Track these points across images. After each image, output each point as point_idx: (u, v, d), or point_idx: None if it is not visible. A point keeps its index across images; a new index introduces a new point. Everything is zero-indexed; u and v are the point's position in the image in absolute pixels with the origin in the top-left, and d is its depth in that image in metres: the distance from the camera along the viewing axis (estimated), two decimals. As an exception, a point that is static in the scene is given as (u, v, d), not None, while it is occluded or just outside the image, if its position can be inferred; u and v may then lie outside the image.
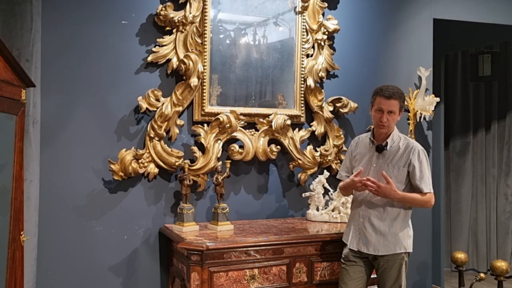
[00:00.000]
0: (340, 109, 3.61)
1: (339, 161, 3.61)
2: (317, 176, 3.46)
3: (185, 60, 3.10)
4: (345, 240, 2.85)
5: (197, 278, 2.65)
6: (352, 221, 2.84)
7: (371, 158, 2.77)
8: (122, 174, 3.00)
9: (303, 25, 3.48)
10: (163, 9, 3.07)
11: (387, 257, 2.71)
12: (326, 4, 3.56)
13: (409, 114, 3.93)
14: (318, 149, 3.56)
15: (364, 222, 2.75)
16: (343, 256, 2.84)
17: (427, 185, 2.69)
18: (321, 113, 3.54)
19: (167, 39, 3.12)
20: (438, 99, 3.88)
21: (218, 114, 3.22)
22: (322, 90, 3.57)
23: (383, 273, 2.74)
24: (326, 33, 3.56)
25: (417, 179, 2.69)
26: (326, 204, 3.46)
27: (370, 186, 2.63)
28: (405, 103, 3.75)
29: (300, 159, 3.47)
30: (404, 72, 3.96)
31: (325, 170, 3.52)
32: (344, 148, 3.58)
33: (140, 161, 3.05)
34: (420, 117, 3.90)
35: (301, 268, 2.89)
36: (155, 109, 3.07)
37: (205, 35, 3.18)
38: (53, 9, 2.89)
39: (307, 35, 3.51)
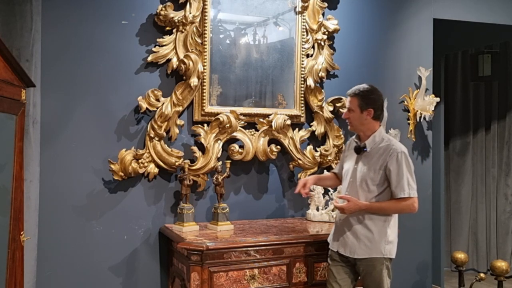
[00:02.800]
0: (340, 109, 3.61)
1: (339, 161, 3.60)
2: (317, 176, 3.46)
3: (185, 60, 3.10)
4: (328, 240, 2.83)
5: (197, 278, 2.65)
6: (335, 222, 2.82)
7: (354, 160, 2.73)
8: (122, 174, 3.00)
9: (303, 25, 3.48)
10: (163, 9, 3.07)
11: (365, 261, 2.63)
12: (326, 4, 3.56)
13: (409, 114, 3.94)
14: (318, 149, 3.56)
15: (343, 223, 2.70)
16: (328, 255, 2.81)
17: (403, 190, 2.57)
18: (321, 113, 3.54)
19: (167, 39, 3.12)
20: (438, 99, 3.88)
21: (218, 114, 3.22)
22: (322, 90, 3.57)
23: (364, 278, 2.67)
24: (326, 33, 3.56)
25: (393, 184, 2.58)
26: (326, 204, 3.47)
27: (337, 208, 2.64)
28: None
29: (300, 159, 3.47)
30: (404, 72, 3.96)
31: (325, 170, 3.52)
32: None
33: (140, 161, 3.05)
34: (420, 117, 3.90)
35: (301, 268, 2.89)
36: (155, 109, 3.07)
37: (205, 35, 3.18)
38: (53, 9, 2.89)
39: (307, 35, 3.51)
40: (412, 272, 4.00)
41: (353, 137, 2.91)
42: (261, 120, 3.36)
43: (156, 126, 3.06)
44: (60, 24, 2.92)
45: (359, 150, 2.69)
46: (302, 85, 3.48)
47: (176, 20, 3.09)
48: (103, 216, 3.03)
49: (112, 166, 2.97)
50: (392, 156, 2.59)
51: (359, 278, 2.74)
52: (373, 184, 2.62)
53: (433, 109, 3.86)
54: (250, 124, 3.36)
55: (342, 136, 3.64)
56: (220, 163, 3.14)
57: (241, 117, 3.27)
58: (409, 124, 3.94)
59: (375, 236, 2.62)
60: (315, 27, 3.50)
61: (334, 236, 2.77)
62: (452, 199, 5.78)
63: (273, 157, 3.38)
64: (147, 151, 3.07)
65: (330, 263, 2.78)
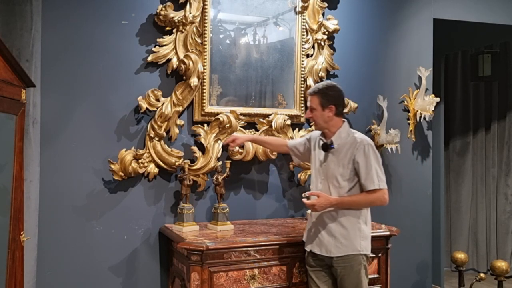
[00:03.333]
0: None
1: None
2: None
3: (185, 60, 3.10)
4: (304, 239, 2.80)
5: (197, 278, 2.65)
6: (308, 221, 2.78)
7: (322, 157, 2.70)
8: (122, 174, 3.00)
9: (303, 25, 3.48)
10: (163, 9, 3.07)
11: (342, 261, 2.59)
12: (326, 4, 3.56)
13: (409, 114, 3.94)
14: (318, 149, 3.56)
15: (316, 223, 2.67)
16: (306, 261, 2.78)
17: (373, 182, 2.55)
18: (321, 113, 3.53)
19: (167, 39, 3.12)
20: (438, 99, 3.87)
21: (218, 114, 3.22)
22: (322, 90, 3.57)
23: (342, 280, 2.62)
24: (326, 33, 3.56)
25: (362, 177, 2.57)
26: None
27: (308, 206, 2.60)
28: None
29: (300, 159, 3.47)
30: (404, 72, 3.96)
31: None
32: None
33: (140, 161, 3.05)
34: (420, 117, 3.90)
35: (301, 268, 2.89)
36: (155, 109, 3.07)
37: (205, 35, 3.18)
38: (53, 9, 2.89)
39: (307, 35, 3.51)
40: (412, 272, 4.00)
41: (312, 133, 2.90)
42: (261, 120, 3.36)
43: (156, 126, 3.06)
44: (60, 24, 2.92)
45: (327, 147, 2.66)
46: (302, 85, 3.48)
47: (176, 20, 3.09)
48: (103, 216, 3.03)
49: (112, 166, 2.97)
50: (359, 149, 2.58)
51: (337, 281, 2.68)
52: (343, 179, 2.60)
53: (433, 109, 3.85)
54: (250, 124, 3.36)
55: (342, 136, 3.63)
56: (220, 163, 3.14)
57: (241, 117, 3.27)
58: (409, 124, 3.94)
59: (350, 233, 2.60)
60: (315, 27, 3.50)
61: (308, 237, 2.73)
62: (452, 199, 5.78)
63: (273, 157, 3.38)
64: (147, 151, 3.07)
65: (308, 269, 2.75)
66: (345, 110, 3.60)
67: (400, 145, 3.75)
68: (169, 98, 3.12)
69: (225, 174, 3.09)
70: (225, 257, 2.71)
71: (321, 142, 2.71)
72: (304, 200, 2.61)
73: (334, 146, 2.64)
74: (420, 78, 3.94)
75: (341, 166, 2.61)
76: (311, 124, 3.54)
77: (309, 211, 2.75)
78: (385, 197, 2.59)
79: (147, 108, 3.05)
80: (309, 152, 2.85)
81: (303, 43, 3.49)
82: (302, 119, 3.53)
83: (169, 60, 3.14)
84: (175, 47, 3.13)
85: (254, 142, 3.15)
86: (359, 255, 2.61)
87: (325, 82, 2.70)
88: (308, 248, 2.72)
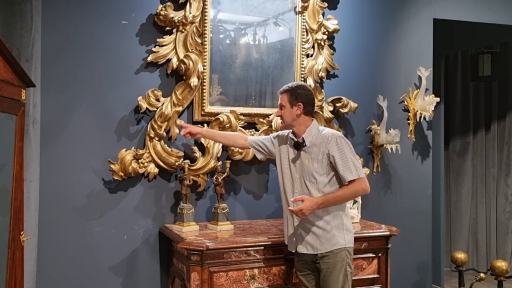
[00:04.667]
0: (340, 109, 3.61)
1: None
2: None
3: (185, 60, 3.10)
4: (285, 241, 2.77)
5: (197, 278, 2.65)
6: (287, 220, 2.73)
7: (294, 156, 2.70)
8: (122, 174, 3.00)
9: (303, 25, 3.48)
10: (163, 9, 3.07)
11: (327, 258, 2.59)
12: (326, 4, 3.55)
13: (409, 114, 3.94)
14: (318, 149, 3.56)
15: (300, 222, 2.65)
16: (295, 265, 2.77)
17: (351, 172, 2.56)
18: (321, 113, 3.54)
19: (167, 39, 3.12)
20: (438, 99, 3.88)
21: (218, 114, 3.22)
22: (322, 90, 3.57)
23: (325, 278, 2.60)
24: (326, 33, 3.56)
25: (340, 169, 2.57)
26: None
27: (296, 214, 2.56)
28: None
29: (300, 159, 3.47)
30: (404, 72, 3.96)
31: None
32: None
33: (140, 161, 3.05)
34: (420, 117, 3.90)
35: (301, 268, 2.89)
36: (155, 109, 3.07)
37: (205, 35, 3.18)
38: (53, 9, 2.89)
39: (307, 35, 3.51)
40: (412, 272, 4.00)
41: (279, 132, 2.89)
42: (261, 120, 3.36)
43: (156, 126, 3.06)
44: (60, 24, 2.92)
45: (300, 146, 2.66)
46: (302, 85, 3.48)
47: (176, 20, 3.09)
48: (103, 216, 3.03)
49: (112, 166, 2.97)
50: (331, 143, 2.60)
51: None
52: (320, 174, 2.61)
53: (433, 109, 3.86)
54: (250, 124, 3.36)
55: (342, 136, 3.64)
56: (220, 163, 3.14)
57: (241, 117, 3.27)
58: (409, 124, 3.94)
59: (333, 227, 2.61)
60: (315, 27, 3.50)
61: (291, 239, 2.70)
62: (452, 199, 5.78)
63: (273, 157, 3.38)
64: (147, 151, 3.07)
65: (298, 273, 2.74)
66: (345, 110, 3.61)
67: (400, 145, 3.75)
68: (169, 98, 3.12)
69: (225, 174, 3.10)
70: (225, 257, 2.71)
71: (293, 141, 2.71)
72: (290, 208, 2.58)
73: (306, 143, 2.65)
74: (420, 78, 3.94)
75: (315, 161, 2.62)
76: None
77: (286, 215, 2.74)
78: (366, 184, 2.61)
79: (147, 108, 3.05)
80: (274, 149, 2.84)
81: (303, 43, 3.49)
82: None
83: (169, 60, 3.14)
84: (175, 47, 3.13)
85: (207, 136, 3.03)
86: (343, 251, 2.60)
87: (296, 82, 2.81)
88: (292, 248, 2.70)
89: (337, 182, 2.63)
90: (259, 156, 2.96)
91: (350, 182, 2.57)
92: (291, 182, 2.69)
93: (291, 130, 2.74)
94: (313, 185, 2.62)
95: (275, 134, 2.92)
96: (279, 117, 2.79)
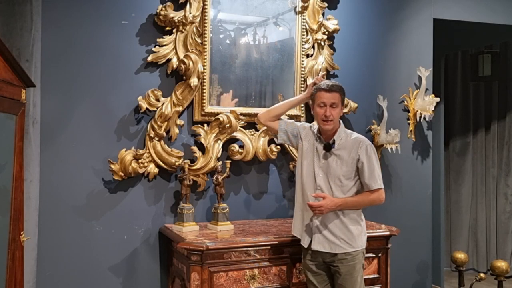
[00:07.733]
0: (340, 109, 3.61)
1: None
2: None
3: (185, 60, 3.10)
4: (296, 234, 2.75)
5: (197, 278, 2.65)
6: (303, 215, 2.71)
7: (319, 155, 2.69)
8: (122, 174, 3.00)
9: (303, 25, 3.48)
10: (163, 9, 3.07)
11: (346, 261, 2.60)
12: (326, 4, 3.55)
13: (409, 114, 3.94)
14: (318, 149, 3.56)
15: (319, 220, 2.64)
16: (302, 263, 2.77)
17: (376, 181, 2.61)
18: (321, 113, 3.53)
19: (167, 39, 3.12)
20: (438, 99, 3.88)
21: (218, 114, 3.22)
22: (322, 90, 3.57)
23: (344, 281, 2.61)
24: (326, 33, 3.56)
25: (365, 177, 2.61)
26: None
27: (314, 209, 2.56)
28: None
29: (300, 159, 3.47)
30: (404, 72, 3.96)
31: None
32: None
33: (140, 161, 3.05)
34: (420, 117, 3.90)
35: (301, 268, 2.89)
36: (155, 109, 3.07)
37: (205, 35, 3.18)
38: (53, 9, 2.89)
39: (307, 35, 3.51)
40: (412, 272, 4.00)
41: (305, 124, 2.87)
42: (261, 120, 3.36)
43: (156, 126, 3.06)
44: (60, 24, 2.92)
45: (329, 147, 2.66)
46: (302, 85, 3.48)
47: (176, 20, 3.09)
48: (103, 216, 3.03)
49: (112, 166, 2.97)
50: (362, 149, 2.62)
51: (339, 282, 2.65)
52: (346, 178, 2.63)
53: (433, 109, 3.86)
54: (250, 124, 3.36)
55: (342, 136, 3.63)
56: (220, 163, 3.14)
57: (241, 117, 3.27)
58: (409, 124, 3.94)
59: (353, 230, 2.63)
60: (315, 27, 3.50)
61: (307, 232, 2.69)
62: (452, 199, 5.78)
63: (273, 157, 3.38)
64: (147, 151, 3.07)
65: (308, 274, 2.72)
66: (345, 110, 3.61)
67: (400, 145, 3.75)
68: (169, 98, 3.12)
69: (225, 174, 3.10)
70: (225, 257, 2.71)
71: (318, 140, 2.71)
72: (310, 202, 2.60)
73: (335, 146, 2.65)
74: (420, 78, 3.94)
75: (344, 165, 2.63)
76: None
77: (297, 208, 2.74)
78: (383, 196, 2.67)
79: (147, 108, 3.05)
80: (297, 140, 2.83)
81: (303, 43, 3.49)
82: (302, 119, 3.52)
83: (169, 60, 3.14)
84: (175, 47, 3.13)
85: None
86: (360, 252, 2.65)
87: (333, 81, 2.75)
88: (306, 244, 2.68)
89: (356, 190, 2.66)
90: (280, 140, 2.92)
91: (372, 190, 2.61)
92: (312, 177, 2.69)
93: (316, 126, 2.74)
94: (338, 187, 2.64)
95: (300, 124, 2.90)
96: (327, 116, 2.63)
